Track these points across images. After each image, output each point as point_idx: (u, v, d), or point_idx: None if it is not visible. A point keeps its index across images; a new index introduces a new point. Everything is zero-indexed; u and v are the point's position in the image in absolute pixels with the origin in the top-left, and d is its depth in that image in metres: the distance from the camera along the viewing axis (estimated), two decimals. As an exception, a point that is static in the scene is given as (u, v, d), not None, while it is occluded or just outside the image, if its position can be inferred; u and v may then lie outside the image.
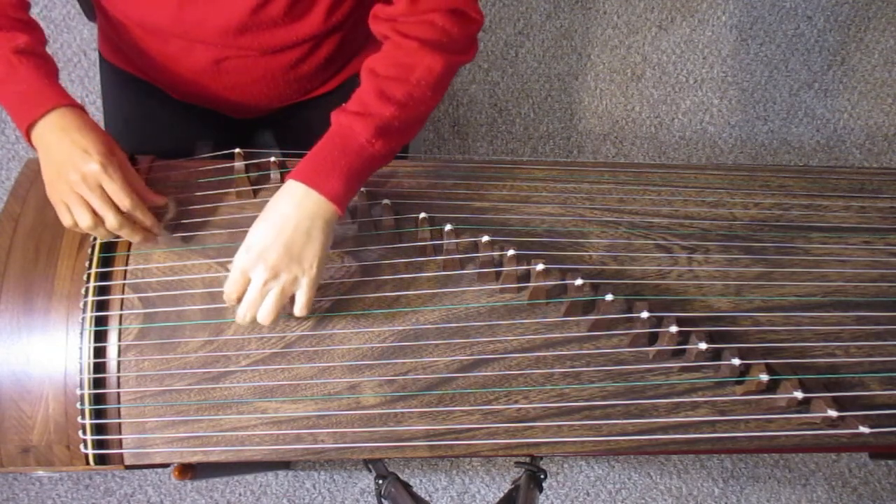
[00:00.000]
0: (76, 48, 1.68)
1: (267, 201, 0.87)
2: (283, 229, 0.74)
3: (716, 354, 0.81)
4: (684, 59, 1.81)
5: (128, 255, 0.84)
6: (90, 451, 0.80)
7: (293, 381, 0.81)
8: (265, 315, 0.74)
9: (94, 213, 0.77)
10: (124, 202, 0.77)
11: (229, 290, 0.75)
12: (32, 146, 0.79)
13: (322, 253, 0.75)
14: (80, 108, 0.79)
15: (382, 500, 0.87)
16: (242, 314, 0.75)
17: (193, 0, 0.84)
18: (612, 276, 0.86)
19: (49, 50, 0.83)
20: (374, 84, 0.78)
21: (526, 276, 0.83)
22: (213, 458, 0.80)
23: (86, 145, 0.75)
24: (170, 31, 0.89)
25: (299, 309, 0.76)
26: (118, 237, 0.82)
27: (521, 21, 1.80)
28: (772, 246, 0.91)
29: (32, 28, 0.82)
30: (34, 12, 1.64)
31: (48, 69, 0.80)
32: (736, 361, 0.79)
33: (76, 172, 0.75)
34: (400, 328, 0.82)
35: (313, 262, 0.75)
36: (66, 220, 0.78)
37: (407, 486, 0.86)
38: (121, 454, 0.81)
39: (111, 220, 0.77)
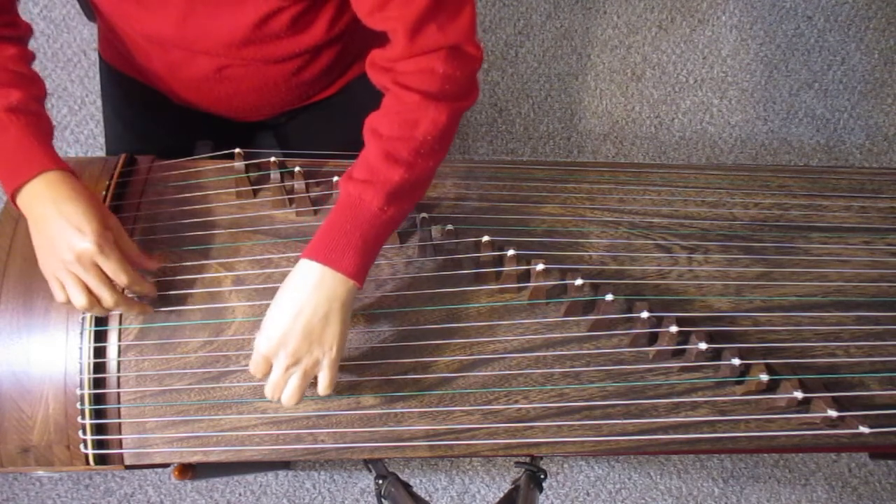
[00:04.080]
0: (76, 48, 1.68)
1: (267, 201, 0.88)
2: (300, 314, 0.71)
3: (716, 354, 0.81)
4: (684, 59, 1.81)
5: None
6: (90, 451, 0.80)
7: (293, 381, 0.81)
8: (289, 398, 0.73)
9: (90, 291, 0.74)
10: (121, 279, 0.74)
11: (254, 371, 0.74)
12: (19, 210, 0.75)
13: (342, 333, 0.73)
14: (69, 172, 0.75)
15: (382, 500, 0.87)
16: (269, 395, 0.74)
17: (196, 13, 0.83)
18: (612, 276, 0.86)
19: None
20: (379, 146, 0.74)
21: (526, 276, 0.83)
22: (213, 458, 0.80)
23: (79, 222, 0.71)
24: (172, 42, 0.88)
25: (322, 389, 0.74)
26: (113, 312, 0.79)
27: (521, 21, 1.80)
28: (772, 246, 0.91)
29: (31, 83, 0.77)
30: (35, 12, 1.64)
31: (41, 128, 0.75)
32: (736, 361, 0.79)
33: (70, 252, 0.71)
34: (400, 328, 0.82)
35: (333, 344, 0.72)
36: (59, 297, 0.74)
37: (407, 486, 0.86)
38: (121, 454, 0.81)
39: (107, 298, 0.74)
